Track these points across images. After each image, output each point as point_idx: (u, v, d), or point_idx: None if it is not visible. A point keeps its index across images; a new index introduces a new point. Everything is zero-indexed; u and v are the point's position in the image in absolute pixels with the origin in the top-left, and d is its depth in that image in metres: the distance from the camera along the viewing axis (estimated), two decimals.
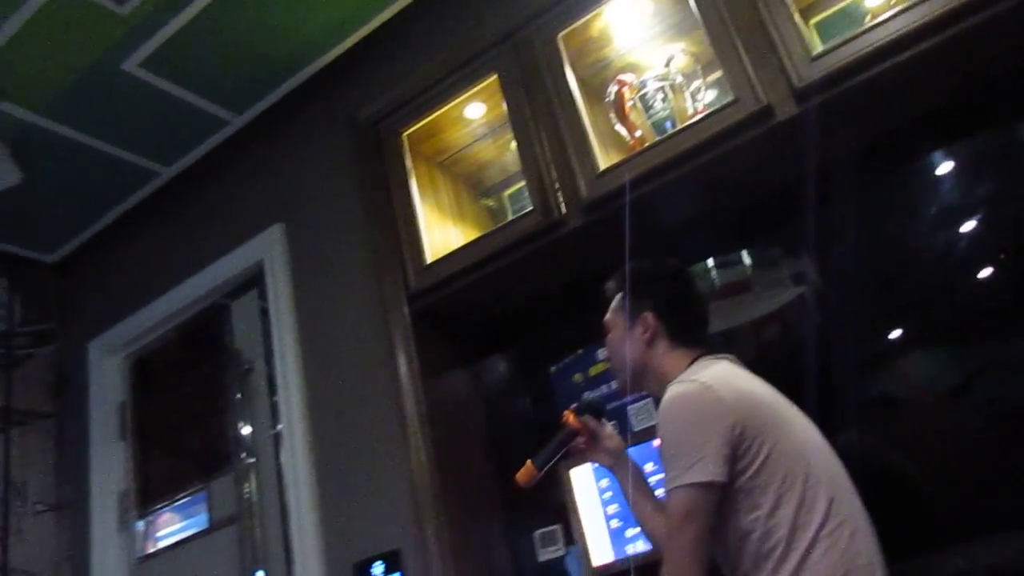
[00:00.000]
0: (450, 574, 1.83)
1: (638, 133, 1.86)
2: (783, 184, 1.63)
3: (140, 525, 2.65)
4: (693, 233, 1.83)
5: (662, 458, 1.27)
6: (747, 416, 1.24)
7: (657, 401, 1.34)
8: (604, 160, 1.77)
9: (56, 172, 2.59)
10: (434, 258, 1.99)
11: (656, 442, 1.73)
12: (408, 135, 2.12)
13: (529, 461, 1.44)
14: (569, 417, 1.48)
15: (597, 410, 1.51)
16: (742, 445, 1.22)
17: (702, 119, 1.66)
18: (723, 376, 1.30)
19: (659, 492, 1.42)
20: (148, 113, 2.46)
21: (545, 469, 1.43)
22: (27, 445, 2.79)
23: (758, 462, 1.22)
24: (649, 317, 1.43)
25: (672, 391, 1.29)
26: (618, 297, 1.49)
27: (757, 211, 1.79)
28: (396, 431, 1.98)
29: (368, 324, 2.13)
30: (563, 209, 1.80)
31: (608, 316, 1.50)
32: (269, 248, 2.44)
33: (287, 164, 2.50)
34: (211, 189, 2.69)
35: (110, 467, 2.71)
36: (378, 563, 1.98)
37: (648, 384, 1.45)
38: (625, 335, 1.45)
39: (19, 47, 2.13)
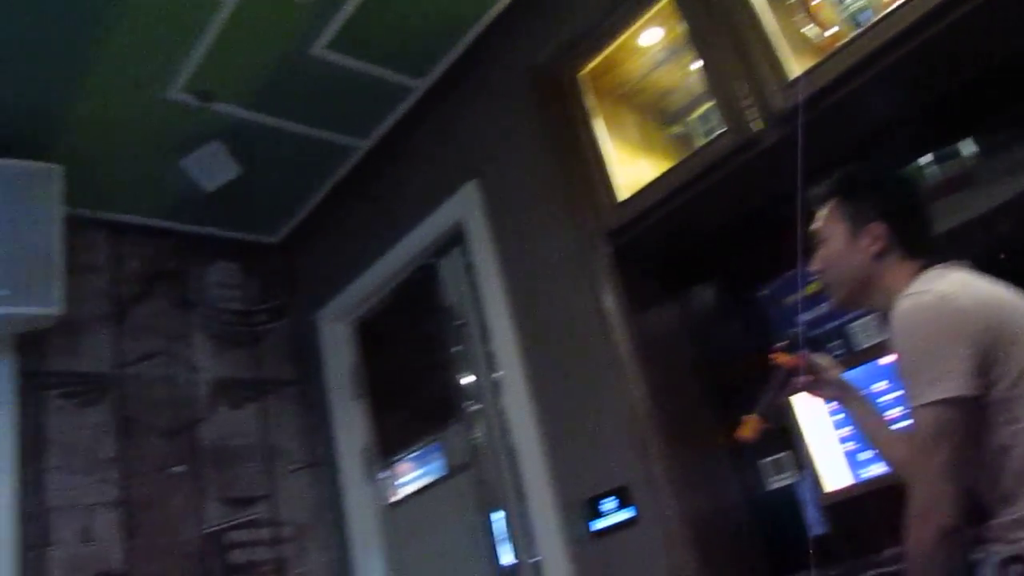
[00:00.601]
0: (680, 506, 1.88)
1: (831, 31, 1.76)
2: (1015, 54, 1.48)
3: (384, 476, 2.91)
4: (902, 130, 1.72)
5: (901, 376, 1.23)
6: (994, 323, 1.18)
7: (883, 316, 1.30)
8: (796, 66, 1.70)
9: (267, 160, 2.88)
10: (628, 194, 2.01)
11: (885, 360, 1.67)
12: (586, 73, 2.15)
13: (749, 415, 1.42)
14: (781, 357, 1.45)
15: (808, 341, 1.46)
16: (992, 354, 1.16)
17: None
18: (961, 284, 1.24)
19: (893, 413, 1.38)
20: (339, 91, 2.65)
21: (768, 418, 1.41)
22: (278, 411, 3.17)
23: (1014, 370, 1.15)
24: (877, 226, 1.35)
25: (906, 304, 1.24)
26: (831, 205, 1.42)
27: (976, 94, 1.64)
28: (609, 369, 2.06)
29: (570, 267, 2.21)
30: (757, 125, 1.75)
31: (819, 226, 1.44)
32: (466, 206, 2.57)
33: (472, 120, 2.61)
34: (405, 156, 2.86)
35: (351, 425, 3.01)
36: (609, 499, 2.07)
37: (873, 299, 1.39)
38: (846, 246, 1.39)
39: (220, 50, 2.37)
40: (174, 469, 2.84)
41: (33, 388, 2.67)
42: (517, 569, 2.40)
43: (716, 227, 2.01)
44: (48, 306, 2.47)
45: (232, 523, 2.88)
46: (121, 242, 3.04)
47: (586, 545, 2.13)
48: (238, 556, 2.85)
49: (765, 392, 1.45)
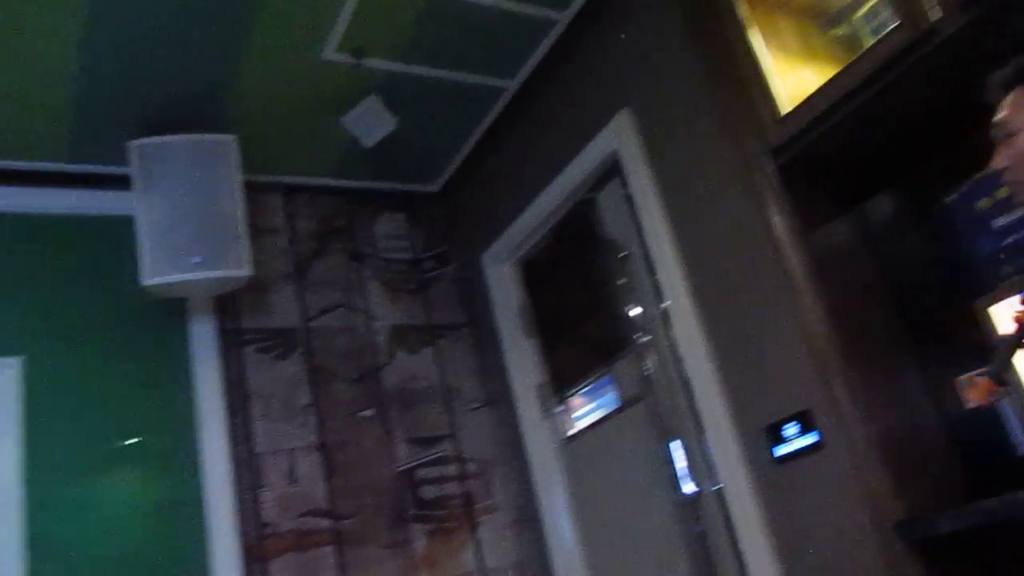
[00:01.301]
0: (868, 428, 1.82)
1: None
2: None
3: (559, 410, 2.99)
4: None
5: None
6: None
7: None
8: None
9: (421, 110, 2.96)
10: (791, 106, 1.92)
11: None
12: None
13: (979, 375, 1.31)
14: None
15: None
16: None
17: None
18: None
19: None
20: (485, 33, 2.68)
21: (1001, 381, 1.29)
22: (453, 353, 3.32)
23: None
24: None
25: None
26: (1018, 91, 1.27)
27: None
28: (782, 291, 2.00)
29: (733, 188, 2.15)
30: (935, 14, 1.60)
31: (1004, 116, 1.29)
32: (620, 135, 2.54)
33: (619, 47, 2.56)
34: (555, 91, 2.86)
35: (523, 363, 3.10)
36: (790, 424, 2.04)
37: None
38: None
39: (366, 6, 2.43)
40: (363, 413, 3.04)
41: (232, 345, 2.92)
42: (698, 498, 2.42)
43: (891, 132, 1.88)
44: (238, 268, 2.68)
45: (420, 461, 3.07)
46: (294, 203, 3.25)
47: (769, 472, 2.11)
48: (428, 492, 3.03)
49: (997, 352, 1.33)
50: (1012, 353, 1.32)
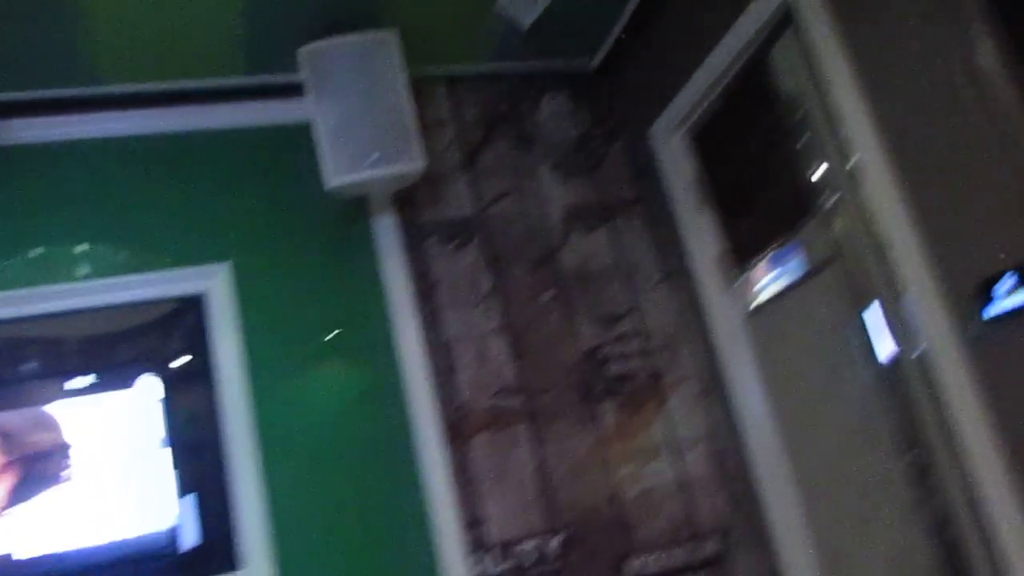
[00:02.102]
0: None
1: None
2: None
3: (742, 281, 2.91)
4: None
5: None
6: None
7: None
8: None
9: None
10: None
11: None
12: None
13: None
14: None
15: None
16: None
17: None
18: None
19: None
20: None
21: None
22: (628, 230, 3.29)
23: None
24: None
25: None
26: None
27: None
28: (992, 135, 1.80)
29: (929, 19, 1.94)
30: None
31: None
32: None
33: None
34: None
35: (700, 236, 3.03)
36: (1006, 278, 1.86)
37: None
38: None
39: None
40: (544, 295, 3.09)
41: (414, 238, 3.04)
42: (898, 364, 2.29)
43: None
44: (412, 162, 2.74)
45: (604, 339, 3.10)
46: (458, 94, 3.26)
47: (981, 332, 1.96)
48: (614, 368, 3.08)
49: None
50: None
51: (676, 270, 3.19)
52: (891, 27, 2.07)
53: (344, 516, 2.67)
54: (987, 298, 1.92)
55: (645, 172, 3.29)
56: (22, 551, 2.37)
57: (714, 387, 3.07)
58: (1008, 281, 1.86)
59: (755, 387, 2.89)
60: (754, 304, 2.91)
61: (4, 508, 2.39)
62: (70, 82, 2.76)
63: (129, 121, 2.90)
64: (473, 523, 2.75)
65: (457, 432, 2.85)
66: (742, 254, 2.94)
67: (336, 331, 2.86)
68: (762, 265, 2.85)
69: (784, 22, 2.48)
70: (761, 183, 2.81)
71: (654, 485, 2.98)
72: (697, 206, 3.06)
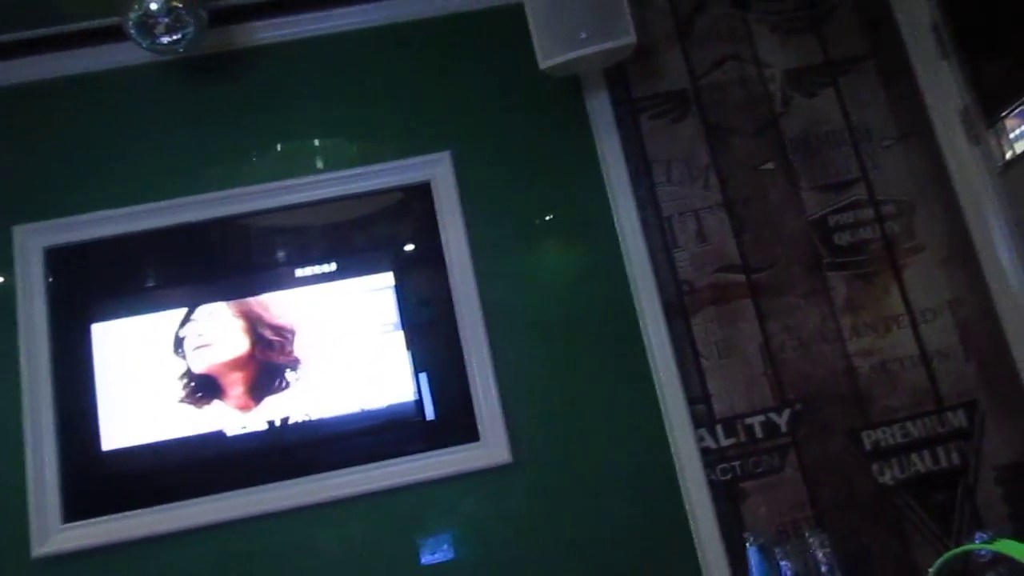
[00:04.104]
0: None
1: None
2: None
3: (992, 135, 2.73)
4: None
5: None
6: None
7: None
8: None
9: None
10: None
11: None
12: None
13: None
14: None
15: None
16: None
17: None
18: None
19: None
20: None
21: None
22: (857, 90, 3.16)
23: None
24: None
25: None
26: None
27: None
28: None
29: None
30: None
31: None
32: None
33: None
34: None
35: (942, 88, 2.86)
36: None
37: None
38: None
39: None
40: (765, 166, 3.06)
41: (627, 114, 3.08)
42: None
43: None
44: (622, 37, 2.76)
45: (832, 208, 3.04)
46: None
47: None
48: (843, 238, 3.02)
49: None
50: None
51: (913, 129, 3.04)
52: None
53: (572, 392, 2.84)
54: None
55: (878, 22, 3.11)
56: (288, 419, 2.75)
57: (960, 253, 2.94)
58: None
59: (1008, 250, 2.74)
60: (1008, 157, 2.72)
61: (259, 385, 2.77)
62: None
63: (353, 15, 3.12)
64: (700, 398, 2.86)
65: (680, 308, 2.94)
66: (991, 105, 2.75)
67: (555, 212, 2.98)
68: (1016, 115, 2.66)
69: None
70: (1014, 21, 2.58)
71: (893, 357, 2.94)
72: (938, 55, 2.87)
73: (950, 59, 2.85)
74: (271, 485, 2.69)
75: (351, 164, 3.00)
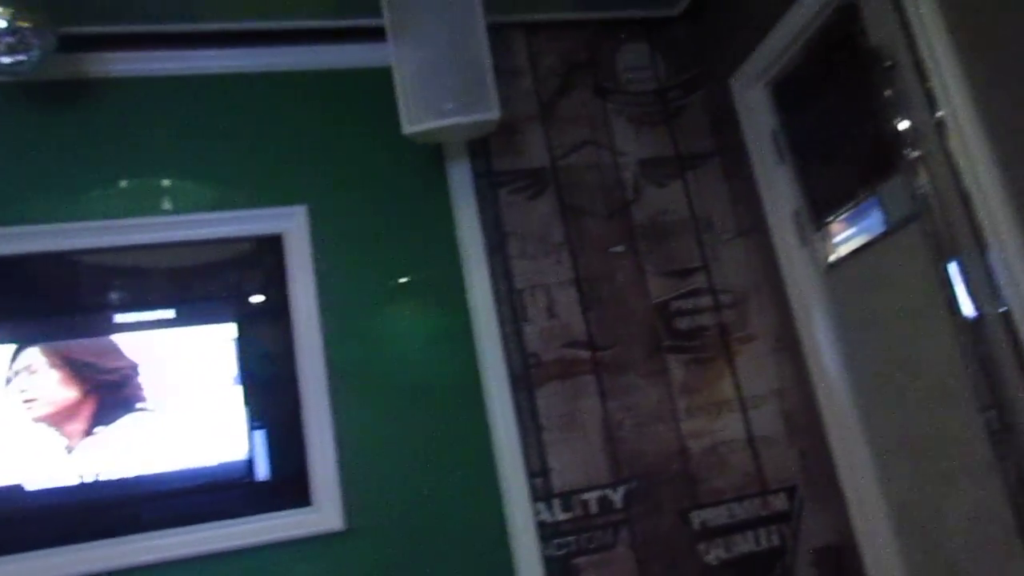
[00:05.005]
0: None
1: None
2: None
3: (819, 237, 2.97)
4: None
5: None
6: None
7: None
8: None
9: None
10: None
11: None
12: None
13: None
14: None
15: None
16: None
17: None
18: None
19: None
20: None
21: None
22: (703, 184, 3.36)
23: None
24: None
25: None
26: None
27: None
28: None
29: None
30: None
31: None
32: None
33: None
34: None
35: (778, 190, 3.08)
36: None
37: None
38: None
39: None
40: (615, 248, 3.19)
41: (487, 186, 3.15)
42: (981, 321, 2.34)
43: None
44: (488, 112, 2.84)
45: (674, 294, 3.19)
46: (536, 41, 3.35)
47: None
48: (683, 323, 3.17)
49: None
50: None
51: (751, 225, 3.26)
52: None
53: (412, 459, 2.81)
54: None
55: (724, 123, 3.35)
56: (104, 473, 2.57)
57: (787, 344, 3.14)
58: None
59: (828, 344, 2.95)
60: (831, 259, 2.96)
61: (86, 432, 2.60)
62: (165, 17, 2.93)
63: (219, 59, 3.06)
64: (539, 471, 2.89)
65: (526, 380, 2.97)
66: (820, 209, 2.99)
67: (409, 276, 2.99)
68: (841, 220, 2.90)
69: None
70: (843, 136, 2.84)
71: (722, 440, 3.08)
72: (776, 159, 3.11)
73: (786, 165, 3.09)
74: (79, 545, 2.49)
75: (201, 209, 2.90)
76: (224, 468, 2.67)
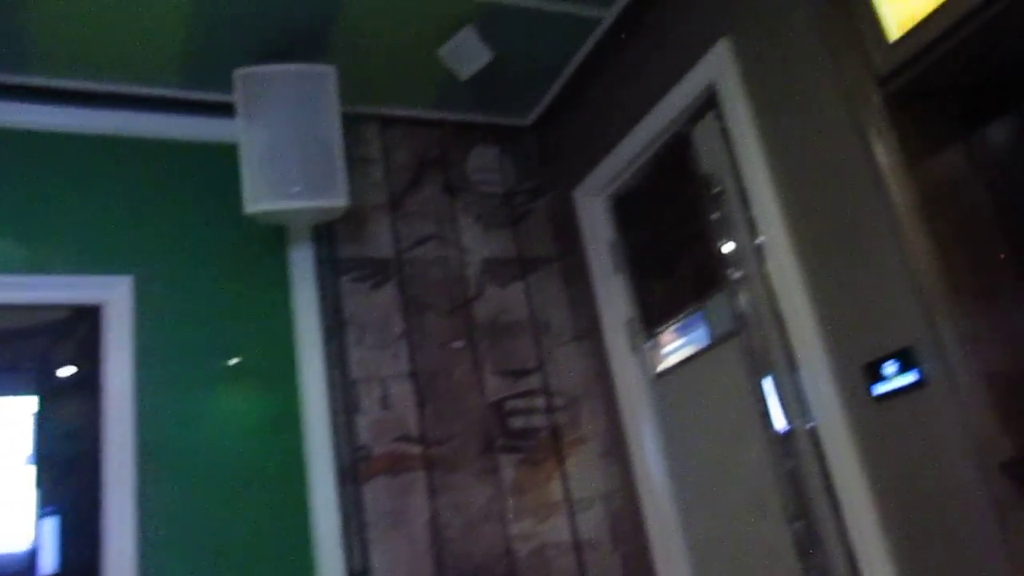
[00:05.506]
0: (974, 367, 1.84)
1: None
2: None
3: (649, 346, 3.07)
4: None
5: None
6: None
7: None
8: None
9: (517, 41, 3.02)
10: (901, 32, 1.91)
11: None
12: None
13: None
14: None
15: None
16: None
17: None
18: None
19: None
20: None
21: None
22: (543, 287, 3.43)
23: None
24: None
25: None
26: None
27: None
28: (885, 225, 2.01)
29: (835, 119, 2.16)
30: None
31: None
32: (718, 66, 2.56)
33: None
34: (651, 21, 2.89)
35: (613, 298, 3.19)
36: (890, 361, 2.06)
37: None
38: None
39: None
40: (455, 344, 3.18)
41: (330, 273, 3.09)
42: (792, 436, 2.47)
43: (1008, 57, 1.85)
44: (335, 199, 2.82)
45: (510, 393, 3.20)
46: (391, 134, 3.38)
47: (866, 410, 2.14)
48: (517, 423, 3.17)
49: None
50: None
51: (587, 331, 3.34)
52: (804, 123, 2.30)
53: (223, 552, 2.62)
54: (875, 377, 2.11)
55: (566, 231, 3.46)
56: None
57: (615, 448, 3.19)
58: (895, 363, 2.06)
59: (654, 451, 3.02)
60: (659, 369, 3.07)
61: None
62: None
63: (52, 116, 2.88)
64: (360, 570, 2.76)
65: (353, 473, 2.87)
66: (651, 320, 3.11)
67: (239, 357, 2.86)
68: (670, 332, 3.03)
69: (707, 105, 2.71)
70: (675, 253, 3.00)
71: (549, 542, 3.06)
72: (612, 269, 3.23)
73: (622, 275, 3.21)
74: None
75: (11, 270, 2.68)
76: (2, 560, 2.38)
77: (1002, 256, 1.94)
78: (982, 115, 2.02)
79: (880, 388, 2.10)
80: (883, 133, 2.00)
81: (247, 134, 2.76)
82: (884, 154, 2.00)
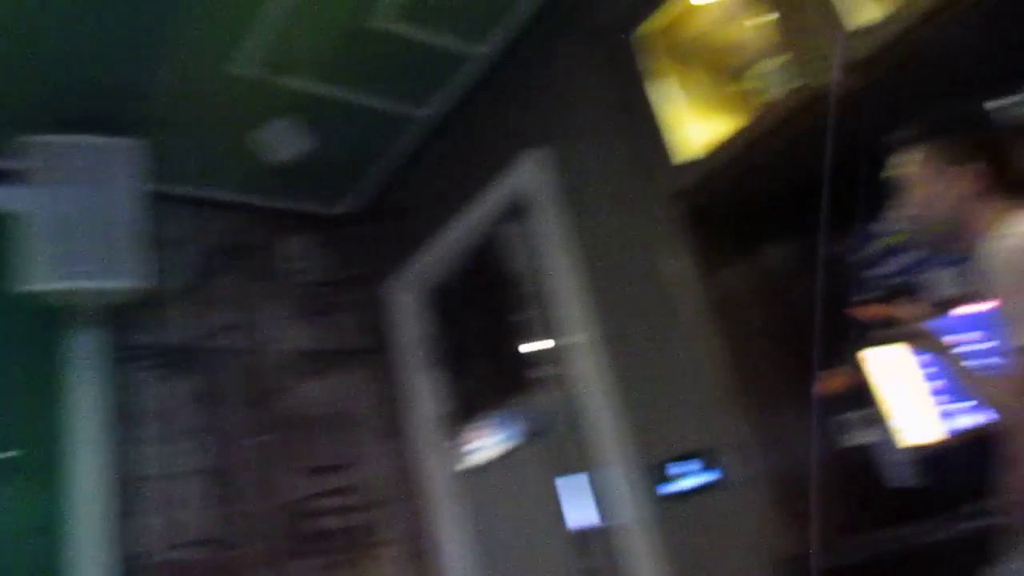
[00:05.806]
0: (759, 466, 1.92)
1: None
2: None
3: (461, 443, 3.03)
4: (985, 71, 1.71)
5: (1003, 317, 1.22)
6: None
7: (962, 261, 1.31)
8: (879, 9, 1.70)
9: (338, 131, 3.01)
10: (699, 153, 2.04)
11: (970, 309, 1.68)
12: (650, 32, 2.17)
13: (835, 369, 1.45)
14: (865, 310, 1.47)
15: (894, 291, 1.49)
16: None
17: None
18: None
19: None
20: (404, 62, 2.79)
21: (853, 371, 1.44)
22: (356, 380, 3.34)
23: None
24: (977, 166, 1.36)
25: (1009, 243, 1.24)
26: (925, 146, 1.42)
27: None
28: (681, 331, 2.11)
29: (633, 232, 2.28)
30: (835, 74, 1.75)
31: (911, 169, 1.44)
32: (530, 174, 2.65)
33: (536, 86, 2.69)
34: (471, 123, 2.97)
35: (425, 394, 3.16)
36: (685, 462, 2.13)
37: (963, 241, 1.39)
38: (944, 187, 1.39)
39: (288, 25, 2.50)
40: (261, 438, 2.99)
41: (124, 360, 2.85)
42: (587, 534, 2.48)
43: (793, 182, 2.02)
44: (131, 280, 2.63)
45: (318, 491, 3.03)
46: (201, 216, 3.21)
47: (662, 508, 2.19)
48: (325, 522, 3.00)
49: (849, 345, 1.48)
50: (862, 344, 1.50)
51: (398, 426, 3.25)
52: (607, 233, 2.41)
53: None
54: (664, 478, 2.17)
55: (377, 324, 3.39)
56: None
57: (424, 547, 3.08)
58: (680, 465, 2.14)
59: (462, 548, 2.95)
60: (469, 466, 3.02)
61: None
62: None
63: None
64: None
65: None
66: (463, 416, 3.07)
67: (12, 452, 2.54)
68: (480, 429, 3.00)
69: (516, 210, 2.78)
70: (487, 350, 3.00)
71: None
72: (425, 364, 3.18)
73: (433, 371, 3.17)
74: None
75: None
76: None
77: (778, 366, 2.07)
78: (767, 234, 2.17)
79: (674, 487, 2.16)
80: (675, 246, 2.11)
81: (35, 205, 2.54)
82: (676, 265, 2.11)
